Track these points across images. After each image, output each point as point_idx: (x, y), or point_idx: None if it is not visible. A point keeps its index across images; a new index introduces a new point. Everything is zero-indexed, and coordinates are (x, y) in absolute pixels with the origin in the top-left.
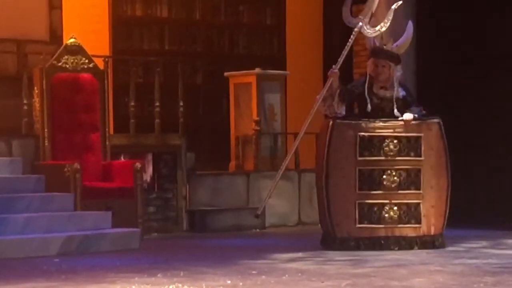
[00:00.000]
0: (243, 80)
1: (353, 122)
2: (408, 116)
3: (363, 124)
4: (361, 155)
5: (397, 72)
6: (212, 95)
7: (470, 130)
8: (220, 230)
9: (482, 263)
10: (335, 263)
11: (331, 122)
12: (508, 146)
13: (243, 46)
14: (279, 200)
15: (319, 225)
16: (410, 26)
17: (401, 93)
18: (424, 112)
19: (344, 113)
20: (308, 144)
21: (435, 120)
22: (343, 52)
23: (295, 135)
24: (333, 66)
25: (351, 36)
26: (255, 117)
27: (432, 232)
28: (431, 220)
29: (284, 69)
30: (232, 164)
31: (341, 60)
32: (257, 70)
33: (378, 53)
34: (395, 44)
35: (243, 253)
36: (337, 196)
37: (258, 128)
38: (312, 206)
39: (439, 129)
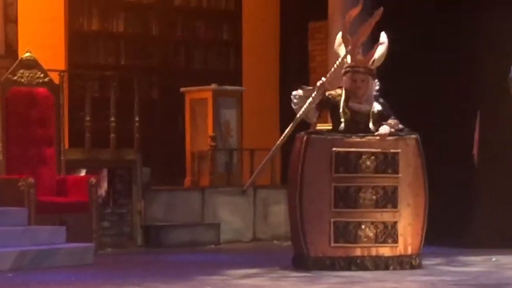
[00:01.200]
0: (199, 95)
1: (328, 137)
2: (383, 129)
3: (339, 140)
4: (336, 172)
5: (375, 86)
6: (168, 110)
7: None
8: (175, 245)
9: (437, 280)
10: (290, 279)
11: (305, 137)
12: (467, 159)
13: (199, 61)
14: (234, 216)
15: (291, 243)
16: (384, 37)
17: (377, 107)
18: (401, 126)
19: (315, 120)
20: (262, 160)
21: (413, 136)
22: (331, 69)
23: (251, 151)
24: (323, 78)
25: (339, 59)
26: (210, 132)
27: (409, 252)
28: (408, 239)
29: (241, 85)
30: (188, 179)
31: (329, 76)
32: (213, 85)
33: (357, 68)
34: (372, 59)
35: (198, 269)
36: (311, 214)
37: (214, 144)
38: (267, 222)
39: (416, 145)
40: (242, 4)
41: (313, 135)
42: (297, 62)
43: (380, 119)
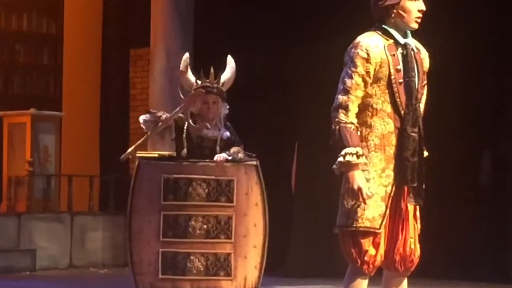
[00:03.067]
0: (18, 120)
1: (159, 162)
2: (220, 156)
3: (170, 165)
4: (165, 199)
5: (225, 110)
6: None
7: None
8: None
9: None
10: None
11: (137, 162)
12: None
13: (18, 85)
14: (50, 242)
15: None
16: (230, 60)
17: (225, 133)
18: (241, 155)
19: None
20: (81, 186)
21: (252, 163)
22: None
23: (69, 177)
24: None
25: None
26: (28, 157)
27: (246, 286)
28: (243, 272)
29: (60, 110)
30: (4, 205)
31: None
32: (32, 110)
33: (209, 89)
34: (222, 81)
35: None
36: (140, 243)
37: (31, 169)
38: (84, 249)
39: (256, 172)
40: (64, 28)
41: (143, 160)
42: (118, 88)
43: (227, 145)
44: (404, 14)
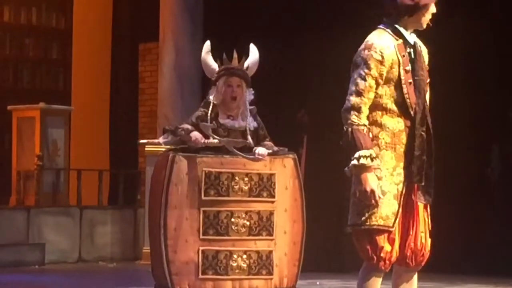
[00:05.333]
0: (27, 114)
1: (198, 155)
2: (262, 150)
3: (210, 159)
4: (206, 194)
5: (250, 96)
6: None
7: None
8: None
9: None
10: None
11: (171, 155)
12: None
13: (27, 80)
14: (59, 236)
15: (151, 274)
16: (254, 48)
17: (252, 123)
18: (276, 148)
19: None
20: (90, 180)
21: (290, 156)
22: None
23: (78, 171)
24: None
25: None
26: (37, 151)
27: (285, 285)
28: (284, 270)
29: (70, 104)
30: (13, 199)
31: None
32: (41, 104)
33: (232, 71)
34: (245, 66)
35: None
36: (176, 241)
37: (41, 163)
38: (93, 243)
39: (294, 166)
40: (73, 22)
41: (180, 153)
42: (127, 83)
43: (255, 138)
44: (426, 15)
